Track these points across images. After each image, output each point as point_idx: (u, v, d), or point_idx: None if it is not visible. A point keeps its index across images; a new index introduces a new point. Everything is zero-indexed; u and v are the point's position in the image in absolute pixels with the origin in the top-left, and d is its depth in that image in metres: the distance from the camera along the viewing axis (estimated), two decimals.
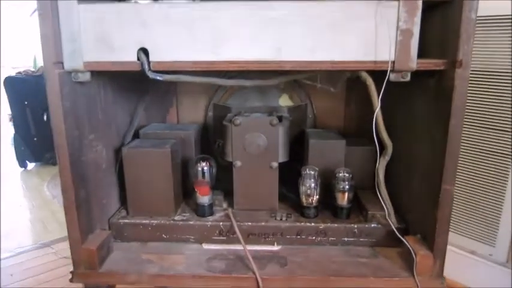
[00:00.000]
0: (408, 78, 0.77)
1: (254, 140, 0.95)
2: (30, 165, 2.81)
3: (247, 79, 0.91)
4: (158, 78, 0.79)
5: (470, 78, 0.85)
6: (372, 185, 1.07)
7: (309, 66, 0.74)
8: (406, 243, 0.83)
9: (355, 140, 1.06)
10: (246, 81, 0.86)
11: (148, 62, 0.76)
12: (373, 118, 0.84)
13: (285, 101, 1.18)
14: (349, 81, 1.19)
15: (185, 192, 1.07)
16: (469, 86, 0.74)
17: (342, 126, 1.22)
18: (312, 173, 0.95)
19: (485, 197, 1.16)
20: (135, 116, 1.09)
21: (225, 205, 1.04)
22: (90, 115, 0.89)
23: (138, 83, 1.10)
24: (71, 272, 0.87)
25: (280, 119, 0.98)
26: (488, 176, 1.14)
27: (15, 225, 1.90)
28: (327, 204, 1.01)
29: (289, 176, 1.01)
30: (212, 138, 1.19)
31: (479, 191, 1.17)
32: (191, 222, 0.95)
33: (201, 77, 0.83)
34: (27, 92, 2.61)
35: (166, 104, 1.23)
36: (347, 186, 0.95)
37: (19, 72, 2.72)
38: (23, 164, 2.73)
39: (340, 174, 0.96)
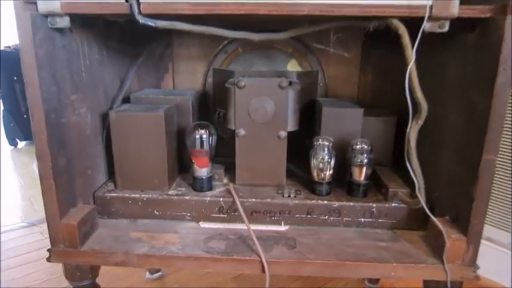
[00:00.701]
0: (446, 28, 0.64)
1: (260, 105, 0.83)
2: (21, 144, 2.69)
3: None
4: (150, 24, 0.66)
5: None
6: (391, 160, 0.96)
7: (331, 10, 0.62)
8: (438, 224, 0.72)
9: (372, 111, 0.94)
10: (254, 35, 0.73)
11: (138, 3, 0.64)
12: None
13: (294, 67, 1.06)
14: (365, 46, 1.07)
15: (182, 166, 0.95)
16: None
17: (356, 96, 1.10)
18: (326, 143, 0.84)
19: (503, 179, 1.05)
20: (126, 80, 0.96)
21: (225, 180, 0.92)
22: (73, 72, 0.77)
23: (129, 46, 0.98)
24: (48, 250, 0.75)
25: (290, 82, 0.86)
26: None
27: (3, 204, 1.79)
28: (341, 181, 0.89)
29: (297, 151, 0.89)
30: (212, 108, 1.07)
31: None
32: (187, 198, 0.83)
33: (202, 26, 0.70)
34: (16, 67, 2.46)
35: (161, 70, 1.11)
36: (365, 160, 0.84)
37: (7, 47, 2.58)
38: (12, 142, 2.60)
39: (358, 146, 0.84)
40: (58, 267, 0.81)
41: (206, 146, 0.83)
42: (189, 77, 1.09)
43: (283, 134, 0.85)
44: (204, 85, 1.08)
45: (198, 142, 0.83)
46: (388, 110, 1.02)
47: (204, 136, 0.83)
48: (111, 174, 0.90)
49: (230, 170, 0.93)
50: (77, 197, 0.80)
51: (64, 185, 0.74)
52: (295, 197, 0.84)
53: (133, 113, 0.82)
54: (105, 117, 0.87)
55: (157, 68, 1.10)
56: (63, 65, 0.73)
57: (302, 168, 0.97)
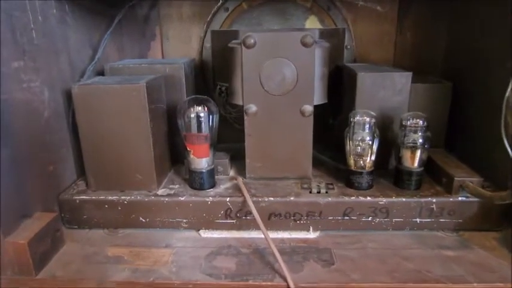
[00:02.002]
0: None
1: (277, 70, 0.61)
2: None
3: None
4: None
5: None
6: (445, 140, 0.75)
7: None
8: None
9: (416, 77, 0.71)
10: None
11: None
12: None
13: (313, 26, 0.84)
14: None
15: (175, 156, 0.74)
16: None
17: (392, 60, 0.88)
18: (367, 119, 0.62)
19: None
20: (100, 47, 0.74)
21: (232, 173, 0.71)
22: (14, 29, 0.55)
23: (103, 5, 0.76)
24: None
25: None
26: None
27: None
28: (383, 169, 0.68)
29: (318, 132, 0.67)
30: (212, 82, 0.85)
31: None
32: (182, 199, 0.62)
33: None
34: None
35: (146, 36, 0.88)
36: (420, 140, 0.62)
37: None
38: None
39: (410, 122, 0.62)
40: None
41: (205, 129, 0.62)
42: (181, 43, 0.87)
43: (309, 109, 0.63)
44: (201, 53, 0.86)
45: (194, 123, 0.61)
46: (434, 76, 0.81)
47: (202, 115, 0.61)
48: (81, 169, 0.69)
49: (237, 159, 0.72)
50: (33, 203, 0.58)
51: (8, 189, 0.53)
52: (326, 192, 0.63)
53: (103, 85, 0.60)
54: (71, 95, 0.65)
55: (142, 34, 0.87)
56: None
57: (326, 154, 0.76)
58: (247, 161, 0.67)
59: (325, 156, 0.76)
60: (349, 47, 0.85)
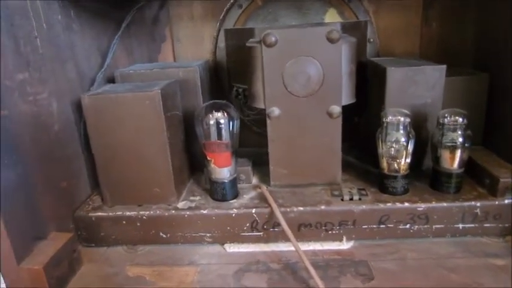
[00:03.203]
0: None
1: (301, 70, 0.57)
2: None
3: None
4: None
5: None
6: (483, 137, 0.69)
7: None
8: None
9: (448, 69, 0.66)
10: None
11: None
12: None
13: (333, 18, 0.79)
14: None
15: (193, 164, 0.69)
16: None
17: (417, 53, 0.82)
18: (402, 119, 0.57)
19: None
20: (109, 53, 0.70)
21: (254, 180, 0.66)
22: (17, 39, 0.51)
23: (110, 7, 0.72)
24: None
25: None
26: None
27: None
28: (416, 170, 0.63)
29: (343, 131, 0.62)
30: (228, 84, 0.80)
31: None
32: (205, 212, 0.58)
33: None
34: None
35: (156, 38, 0.84)
36: (460, 139, 0.57)
37: None
38: None
39: (448, 120, 0.57)
40: None
41: (226, 136, 0.57)
42: (193, 44, 0.82)
43: (337, 109, 0.58)
44: (215, 53, 0.81)
45: (213, 131, 0.57)
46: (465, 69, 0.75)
47: (222, 121, 0.57)
48: (94, 182, 0.65)
49: (259, 165, 0.67)
50: (47, 223, 0.55)
51: (20, 210, 0.49)
52: (360, 199, 0.58)
53: (115, 94, 0.56)
54: (81, 105, 0.61)
55: (151, 37, 0.83)
56: None
57: (352, 155, 0.72)
58: (271, 167, 0.62)
59: (351, 157, 0.72)
60: (372, 40, 0.80)
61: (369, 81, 0.70)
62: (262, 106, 0.60)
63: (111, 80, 0.69)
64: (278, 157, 0.61)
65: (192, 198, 0.62)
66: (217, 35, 0.80)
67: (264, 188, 0.61)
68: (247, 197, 0.61)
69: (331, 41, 0.55)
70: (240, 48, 0.72)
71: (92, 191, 0.66)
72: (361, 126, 0.76)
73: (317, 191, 0.61)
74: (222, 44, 0.80)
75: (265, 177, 0.66)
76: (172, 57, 0.83)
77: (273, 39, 0.55)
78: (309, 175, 0.62)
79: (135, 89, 0.57)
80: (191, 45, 0.82)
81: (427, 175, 0.62)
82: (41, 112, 0.55)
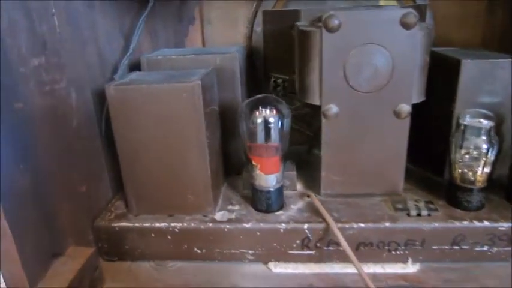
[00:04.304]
0: None
1: (367, 60, 0.47)
2: None
3: None
4: None
5: None
6: None
7: None
8: None
9: None
10: None
11: None
12: None
13: (388, 1, 0.69)
14: None
15: (226, 166, 0.61)
16: None
17: (480, 43, 0.72)
18: (485, 123, 0.48)
19: None
20: (133, 35, 0.61)
21: (299, 186, 0.58)
22: (32, 18, 0.42)
23: None
24: None
25: None
26: None
27: None
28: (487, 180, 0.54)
29: None
30: (263, 73, 0.71)
31: None
32: (247, 226, 0.49)
33: None
34: None
35: (183, 19, 0.75)
36: None
37: None
38: None
39: None
40: None
41: (276, 137, 0.48)
42: (225, 27, 0.73)
43: (406, 108, 0.49)
44: (250, 38, 0.72)
45: (260, 131, 0.48)
46: None
47: (272, 120, 0.48)
48: (119, 185, 0.57)
49: (300, 167, 0.59)
50: (64, 236, 0.47)
51: (34, 224, 0.41)
52: (429, 215, 0.49)
53: (146, 85, 0.47)
54: (102, 96, 0.53)
55: (178, 18, 0.74)
56: (8, 3, 0.38)
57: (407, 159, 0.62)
58: (322, 174, 0.53)
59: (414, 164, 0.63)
60: (429, 27, 0.70)
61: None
62: (315, 102, 0.51)
63: (135, 67, 0.60)
64: (332, 162, 0.53)
65: (230, 207, 0.53)
66: (254, 18, 0.70)
67: (315, 198, 0.52)
68: (294, 207, 0.52)
69: (406, 26, 0.46)
70: (282, 32, 0.63)
71: (113, 194, 0.57)
72: (422, 127, 0.67)
73: (375, 202, 0.53)
74: (258, 28, 0.70)
75: (308, 182, 0.58)
76: (201, 41, 0.74)
77: (336, 22, 0.46)
78: (366, 183, 0.54)
79: (170, 79, 0.48)
80: (223, 28, 0.73)
81: (500, 186, 0.54)
82: (58, 104, 0.46)
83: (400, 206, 0.51)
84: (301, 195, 0.55)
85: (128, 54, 0.57)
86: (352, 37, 0.47)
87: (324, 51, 0.47)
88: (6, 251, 0.38)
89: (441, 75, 0.57)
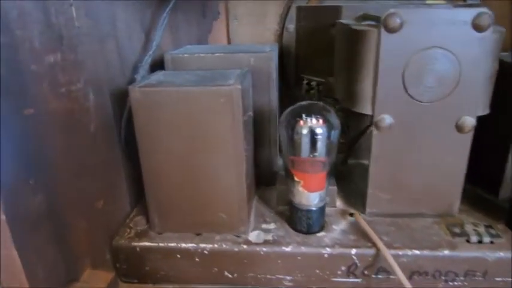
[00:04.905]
0: None
1: (430, 65, 0.41)
2: None
3: None
4: None
5: None
6: None
7: None
8: None
9: None
10: None
11: None
12: None
13: (436, 2, 0.63)
14: None
15: (256, 176, 0.55)
16: None
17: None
18: None
19: None
20: (155, 30, 0.55)
21: (338, 203, 0.52)
22: (47, 8, 0.36)
23: None
24: None
25: None
26: None
27: None
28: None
29: None
30: (294, 75, 0.65)
31: None
32: (287, 249, 0.44)
33: None
34: None
35: (207, 14, 0.68)
36: None
37: None
38: None
39: None
40: None
41: (323, 151, 0.42)
42: (253, 24, 0.67)
43: (470, 122, 0.43)
44: (281, 36, 0.65)
45: (306, 143, 0.42)
46: None
47: (320, 132, 0.42)
48: (138, 197, 0.51)
49: (339, 182, 0.53)
50: (80, 258, 0.41)
51: (46, 245, 0.35)
52: (492, 242, 0.44)
53: (177, 88, 0.41)
54: (122, 98, 0.47)
55: (202, 12, 0.68)
56: None
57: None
58: (369, 191, 0.48)
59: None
60: (502, 31, 0.64)
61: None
62: (366, 111, 0.45)
63: (156, 66, 0.54)
64: (381, 178, 0.47)
65: (264, 226, 0.47)
66: (286, 14, 0.64)
67: (360, 218, 0.46)
68: (337, 228, 0.47)
69: (478, 29, 0.40)
70: (318, 31, 0.57)
71: (131, 207, 0.52)
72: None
73: (428, 224, 0.47)
74: (291, 25, 0.64)
75: (347, 198, 0.52)
76: (226, 38, 0.67)
77: (398, 21, 0.40)
78: (417, 202, 0.48)
79: (203, 82, 0.42)
80: (250, 25, 0.67)
81: None
82: (75, 108, 0.40)
83: (457, 230, 0.45)
84: (343, 214, 0.50)
85: (151, 51, 0.50)
86: (415, 39, 0.41)
87: (382, 54, 0.41)
88: (17, 281, 0.32)
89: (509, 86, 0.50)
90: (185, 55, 0.51)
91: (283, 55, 0.66)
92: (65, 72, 0.38)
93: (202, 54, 0.51)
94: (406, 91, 0.42)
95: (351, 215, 0.48)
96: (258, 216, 0.50)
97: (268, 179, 0.56)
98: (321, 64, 0.60)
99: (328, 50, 0.57)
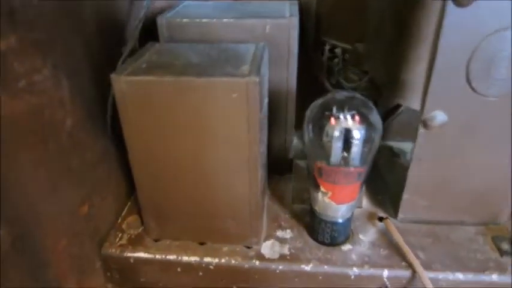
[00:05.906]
0: None
1: (503, 52, 0.31)
2: None
3: None
4: None
5: None
6: None
7: None
8: None
9: None
10: None
11: None
12: None
13: None
14: None
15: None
16: None
17: None
18: None
19: None
20: None
21: (365, 203, 0.45)
22: None
23: None
24: None
25: None
26: None
27: None
28: None
29: None
30: (313, 38, 0.54)
31: None
32: (308, 268, 0.37)
33: None
34: None
35: None
36: None
37: None
38: None
39: None
40: None
41: (358, 158, 0.34)
42: None
43: None
44: None
45: (337, 148, 0.33)
46: None
47: (358, 135, 0.33)
48: (131, 190, 0.44)
49: (375, 181, 0.45)
50: (63, 279, 0.34)
51: (27, 268, 0.28)
52: None
53: (175, 78, 0.31)
54: (107, 80, 0.37)
55: None
56: None
57: None
58: (405, 196, 0.40)
59: None
60: None
61: None
62: (413, 105, 0.36)
63: (146, 31, 0.43)
64: (421, 182, 0.39)
65: (279, 233, 0.41)
66: None
67: (393, 228, 0.39)
68: (365, 239, 0.40)
69: None
70: None
71: (123, 204, 0.44)
72: None
73: (470, 236, 0.40)
74: None
75: (374, 196, 0.45)
76: None
77: None
78: (458, 210, 0.41)
79: (210, 67, 0.32)
80: None
81: None
82: (42, 103, 0.31)
83: (506, 246, 0.39)
84: (370, 217, 0.43)
85: (142, 13, 0.40)
86: (488, 18, 0.30)
87: (445, 34, 0.31)
88: None
89: None
90: (184, 20, 0.41)
91: (302, 11, 0.54)
92: (23, 58, 0.28)
93: (205, 20, 0.40)
94: (470, 84, 0.33)
95: (380, 219, 0.41)
96: (271, 217, 0.43)
97: (282, 168, 0.48)
98: (348, 26, 0.49)
99: (358, 9, 0.46)
